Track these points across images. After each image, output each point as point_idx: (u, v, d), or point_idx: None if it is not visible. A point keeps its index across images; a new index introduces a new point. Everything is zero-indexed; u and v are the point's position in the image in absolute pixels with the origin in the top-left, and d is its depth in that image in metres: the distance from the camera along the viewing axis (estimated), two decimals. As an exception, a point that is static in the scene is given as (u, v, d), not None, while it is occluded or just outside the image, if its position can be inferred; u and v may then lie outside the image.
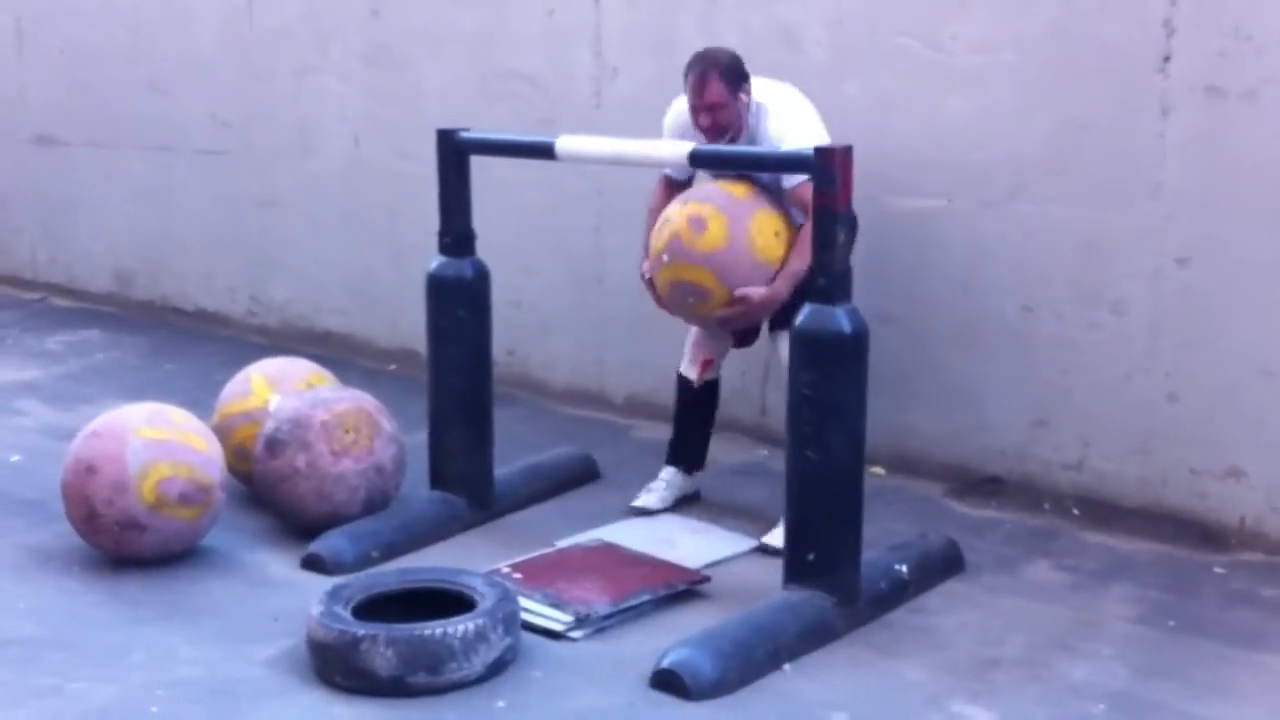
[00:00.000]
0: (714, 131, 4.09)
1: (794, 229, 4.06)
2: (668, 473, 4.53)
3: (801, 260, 3.89)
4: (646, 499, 4.49)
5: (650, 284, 4.23)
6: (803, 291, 3.92)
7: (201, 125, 6.97)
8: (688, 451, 4.53)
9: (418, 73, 6.07)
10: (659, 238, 4.12)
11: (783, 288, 4.01)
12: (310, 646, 3.40)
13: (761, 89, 4.16)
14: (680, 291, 4.09)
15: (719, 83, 4.06)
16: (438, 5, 5.96)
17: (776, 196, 4.10)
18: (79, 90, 7.56)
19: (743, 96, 4.11)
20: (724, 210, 4.04)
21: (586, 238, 5.60)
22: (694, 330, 4.39)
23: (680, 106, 4.25)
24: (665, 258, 4.07)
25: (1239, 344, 4.17)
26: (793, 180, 4.04)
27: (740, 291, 3.99)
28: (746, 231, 4.01)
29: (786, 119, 4.08)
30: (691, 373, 4.40)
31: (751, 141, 4.12)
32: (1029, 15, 4.44)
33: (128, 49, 7.28)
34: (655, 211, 4.29)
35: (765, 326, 4.26)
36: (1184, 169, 4.21)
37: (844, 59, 4.81)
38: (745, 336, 4.39)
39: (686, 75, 4.12)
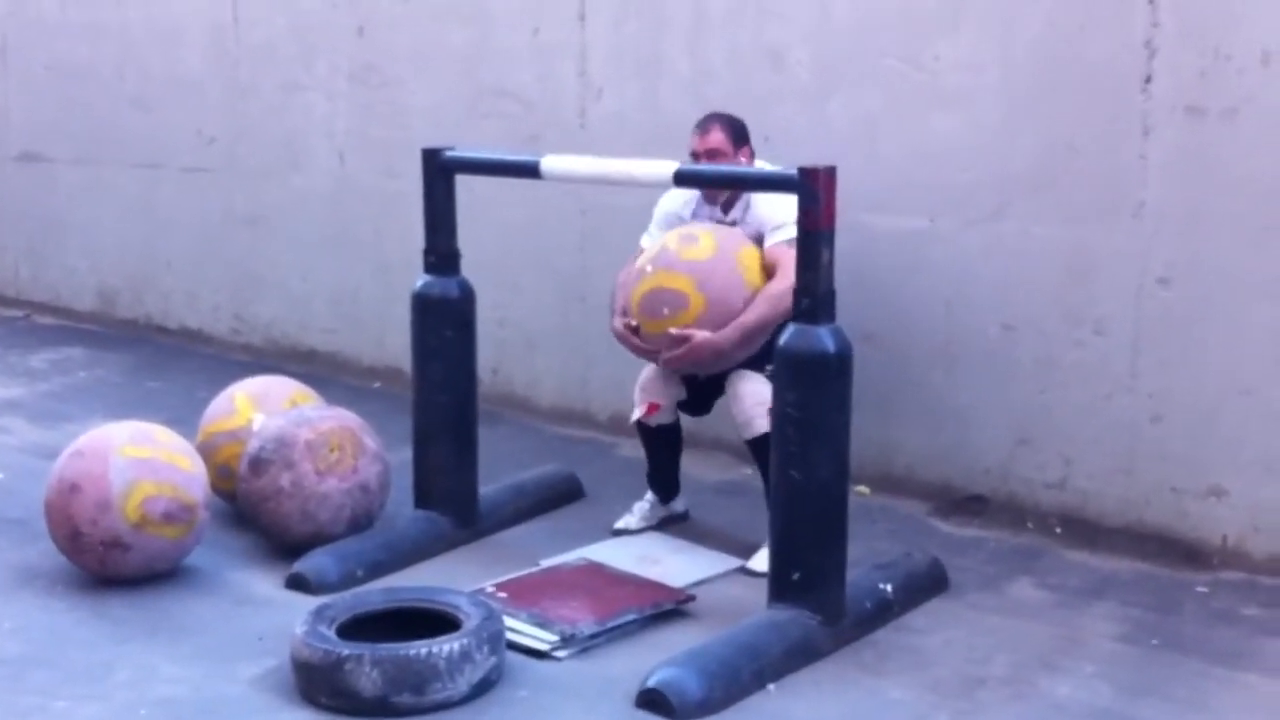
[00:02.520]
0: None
1: (765, 281, 4.07)
2: (649, 497, 4.55)
3: (754, 314, 3.97)
4: (627, 520, 4.50)
5: (622, 334, 4.20)
6: (757, 350, 4.02)
7: (187, 142, 6.97)
8: (660, 483, 4.55)
9: (404, 90, 6.08)
10: (647, 255, 4.13)
11: (731, 336, 3.98)
12: (295, 666, 3.39)
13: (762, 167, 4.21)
14: (657, 300, 4.05)
15: (721, 133, 4.16)
16: (424, 23, 5.97)
17: None
18: (64, 107, 7.56)
19: (742, 158, 4.19)
20: (716, 232, 4.11)
21: (571, 256, 5.61)
22: (643, 374, 4.36)
23: (672, 195, 4.33)
24: (649, 268, 4.08)
25: (1221, 363, 4.20)
26: (771, 240, 4.08)
27: (683, 331, 3.98)
28: (735, 250, 4.05)
29: (771, 201, 4.10)
30: (637, 414, 4.38)
31: (745, 212, 4.19)
32: (1012, 35, 4.47)
33: (113, 66, 7.29)
34: (625, 283, 4.27)
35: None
36: (1166, 188, 4.24)
37: (828, 79, 4.84)
38: (696, 407, 4.38)
39: (693, 130, 4.21)
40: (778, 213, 4.05)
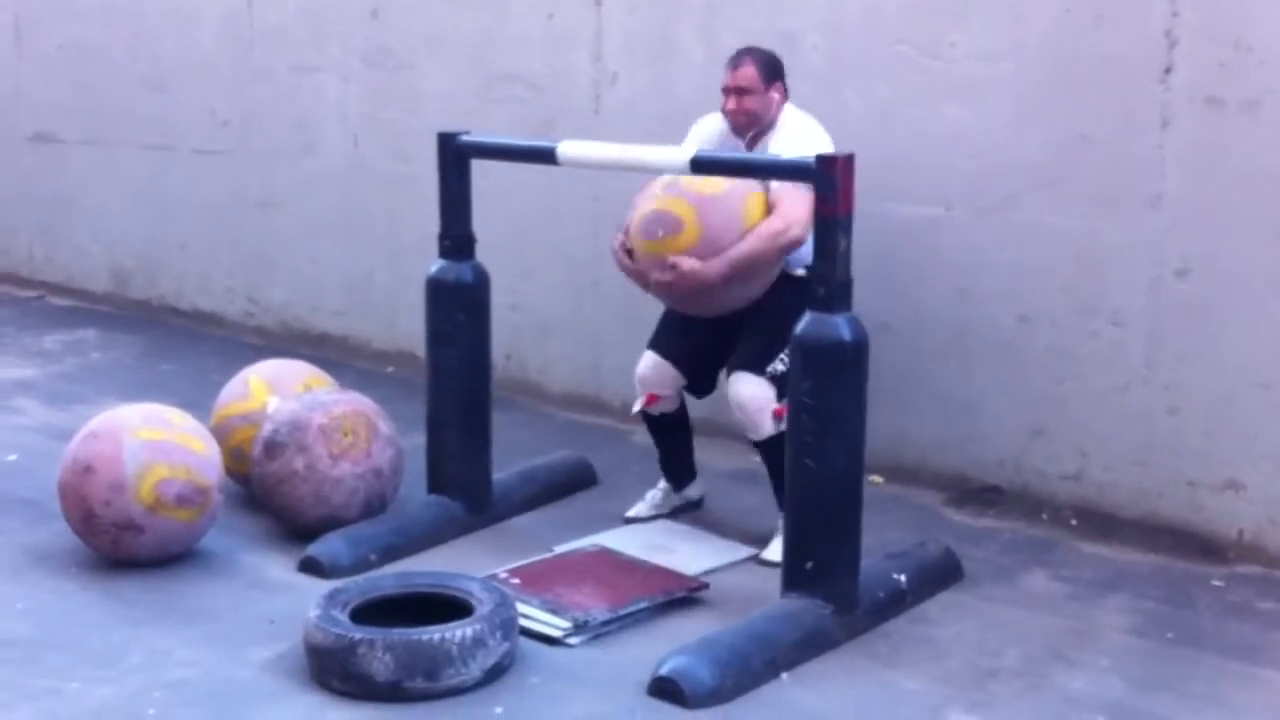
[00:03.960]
0: (739, 116, 4.12)
1: None
2: (662, 485, 4.54)
3: (743, 247, 3.92)
4: (638, 508, 4.49)
5: (616, 252, 4.15)
6: (766, 332, 4.02)
7: (200, 124, 6.97)
8: (672, 470, 4.53)
9: (417, 74, 6.07)
10: (664, 179, 4.10)
11: (718, 268, 3.93)
12: (307, 650, 3.40)
13: (788, 111, 4.18)
14: (655, 222, 4.01)
15: (753, 68, 4.12)
16: (438, 7, 5.96)
17: None
18: (77, 88, 7.55)
19: (774, 94, 4.15)
20: (730, 179, 4.07)
21: (584, 242, 5.60)
22: (640, 365, 4.33)
23: (708, 119, 4.28)
24: (659, 190, 4.07)
25: (1237, 356, 4.18)
26: (774, 185, 4.05)
27: (673, 259, 3.95)
28: (745, 194, 4.02)
29: (791, 135, 4.09)
30: (637, 406, 4.37)
31: (765, 151, 4.14)
32: (1029, 24, 4.45)
33: (127, 47, 7.28)
34: (636, 202, 4.23)
35: (729, 367, 4.20)
36: (1184, 180, 4.22)
37: (842, 66, 4.82)
38: (698, 387, 4.37)
39: (726, 65, 4.18)
40: (787, 146, 4.02)
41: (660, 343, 4.32)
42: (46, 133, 7.79)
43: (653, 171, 4.08)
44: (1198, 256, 4.22)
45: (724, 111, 4.18)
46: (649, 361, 4.31)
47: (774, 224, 3.95)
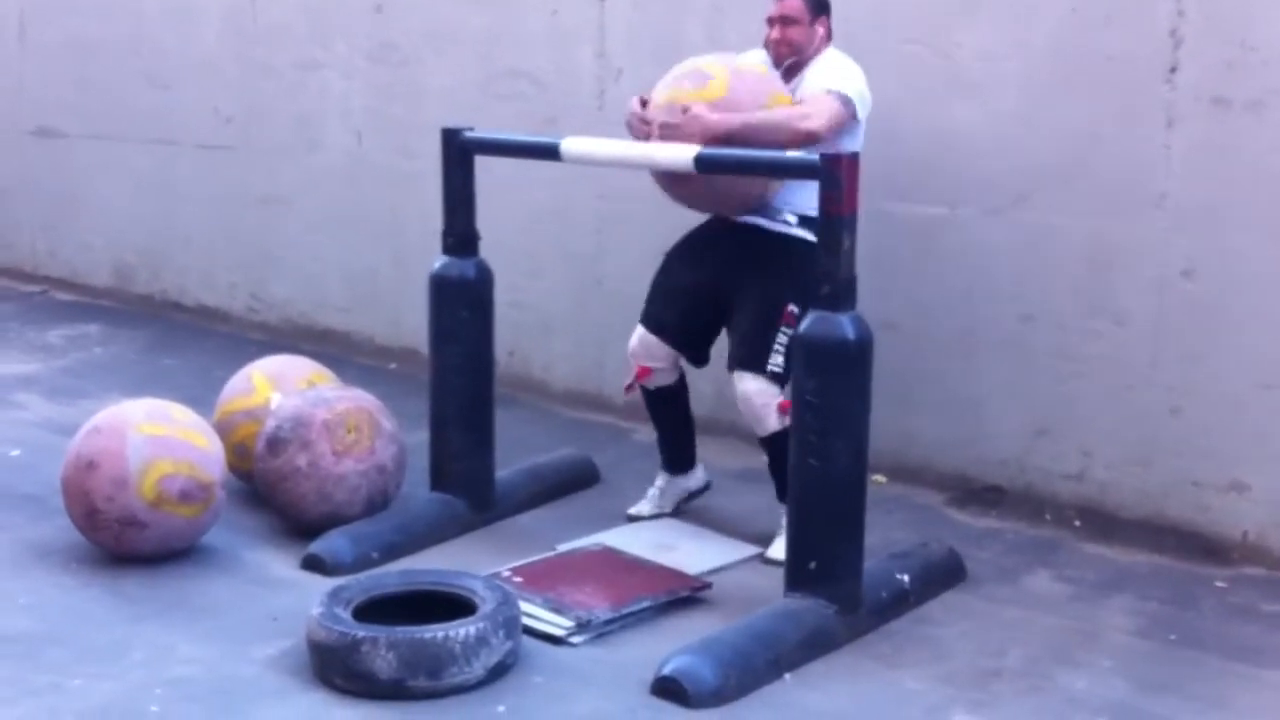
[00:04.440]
0: (782, 46, 4.11)
1: None
2: (660, 479, 4.51)
3: (761, 115, 3.86)
4: (640, 506, 4.47)
5: (631, 105, 4.09)
6: (764, 325, 3.99)
7: (204, 120, 6.96)
8: (670, 454, 4.49)
9: (422, 70, 6.06)
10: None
11: (729, 121, 3.83)
12: (310, 647, 3.39)
13: (830, 50, 4.16)
14: (684, 75, 3.98)
15: (801, 1, 4.10)
16: (442, 3, 5.95)
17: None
18: (81, 83, 7.55)
19: (819, 29, 4.13)
20: (778, 78, 4.08)
21: (588, 240, 5.59)
22: (631, 341, 4.32)
23: (751, 54, 4.24)
24: (704, 57, 4.06)
25: (1242, 357, 4.17)
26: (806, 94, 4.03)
27: (685, 103, 3.88)
28: (780, 88, 4.01)
29: (825, 67, 4.06)
30: (628, 381, 4.36)
31: (799, 85, 4.11)
32: (1036, 23, 4.44)
33: (130, 42, 7.27)
34: None
35: (726, 365, 4.17)
36: (1189, 180, 4.21)
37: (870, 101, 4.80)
38: (696, 354, 4.33)
39: None
40: (824, 78, 4.01)
41: (648, 315, 4.30)
42: (50, 127, 7.78)
43: (656, 168, 4.06)
44: (1203, 257, 4.22)
45: (766, 43, 4.15)
46: (637, 335, 4.30)
47: (798, 108, 3.93)
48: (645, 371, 4.31)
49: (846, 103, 3.98)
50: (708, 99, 3.89)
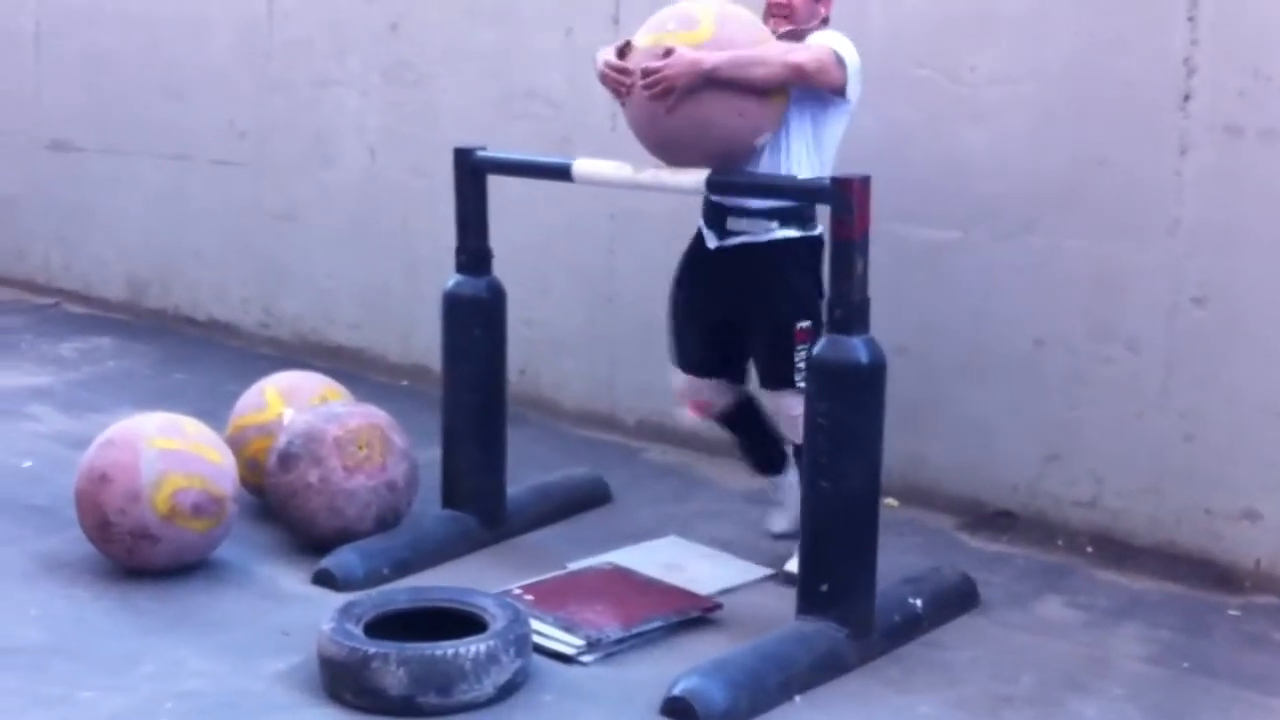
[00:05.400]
0: (782, 6, 3.98)
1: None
2: (770, 485, 4.41)
3: (755, 50, 3.73)
4: (775, 521, 4.38)
5: (605, 55, 3.90)
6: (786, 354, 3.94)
7: (218, 135, 6.99)
8: (760, 458, 4.40)
9: (436, 88, 6.08)
10: None
11: (718, 58, 3.65)
12: (321, 663, 3.39)
13: (828, 30, 4.05)
14: (669, 16, 3.81)
15: None
16: (457, 22, 5.98)
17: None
18: (96, 96, 7.58)
19: (821, 8, 4.03)
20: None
21: (600, 259, 5.60)
22: (674, 383, 4.29)
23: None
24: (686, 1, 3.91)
25: (1255, 384, 4.17)
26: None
27: (671, 44, 3.70)
28: (765, 30, 3.90)
29: (824, 36, 3.93)
30: (688, 419, 4.35)
31: None
32: (1049, 49, 4.45)
33: (146, 55, 7.30)
34: None
35: (757, 381, 4.15)
36: (1201, 207, 4.22)
37: (861, 87, 4.80)
38: (736, 379, 4.27)
39: None
40: (824, 39, 3.89)
41: (678, 357, 4.28)
42: (65, 140, 7.81)
43: (667, 191, 4.06)
44: (1215, 283, 4.22)
45: (769, 12, 4.01)
46: (676, 377, 4.29)
47: (797, 47, 3.79)
48: (700, 407, 4.29)
49: (840, 63, 3.83)
50: (694, 42, 3.73)
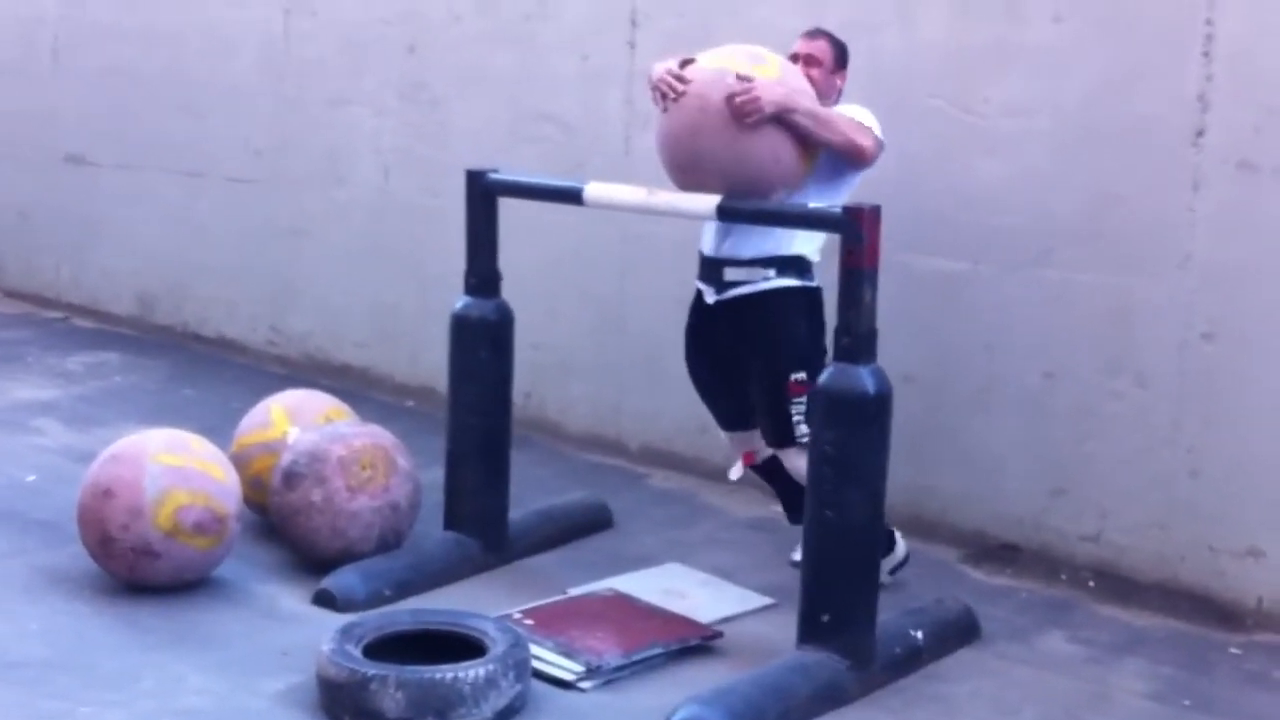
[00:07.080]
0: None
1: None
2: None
3: (829, 111, 3.90)
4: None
5: (665, 65, 3.96)
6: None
7: (233, 152, 7.01)
8: (793, 511, 4.37)
9: (451, 110, 6.10)
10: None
11: (801, 100, 3.80)
12: (320, 683, 3.39)
13: (849, 103, 4.16)
14: (739, 50, 3.91)
15: (827, 44, 4.16)
16: (473, 44, 6.00)
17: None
18: (112, 112, 7.61)
19: (838, 81, 4.16)
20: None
21: (610, 284, 5.60)
22: (724, 439, 4.42)
23: None
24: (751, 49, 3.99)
25: (1262, 421, 4.15)
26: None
27: (746, 74, 3.77)
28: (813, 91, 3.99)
29: (854, 111, 4.04)
30: (737, 471, 4.38)
31: None
32: (1064, 82, 4.45)
33: (163, 72, 7.33)
34: None
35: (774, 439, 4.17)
36: (1213, 243, 4.21)
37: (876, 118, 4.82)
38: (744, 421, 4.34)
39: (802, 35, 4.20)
40: (858, 115, 4.00)
41: (715, 416, 4.38)
42: (80, 154, 7.84)
43: (679, 216, 4.07)
44: (1225, 320, 4.21)
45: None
46: (725, 437, 4.41)
47: (857, 123, 3.92)
48: (749, 456, 4.35)
49: (880, 146, 4.00)
50: (765, 77, 3.82)
